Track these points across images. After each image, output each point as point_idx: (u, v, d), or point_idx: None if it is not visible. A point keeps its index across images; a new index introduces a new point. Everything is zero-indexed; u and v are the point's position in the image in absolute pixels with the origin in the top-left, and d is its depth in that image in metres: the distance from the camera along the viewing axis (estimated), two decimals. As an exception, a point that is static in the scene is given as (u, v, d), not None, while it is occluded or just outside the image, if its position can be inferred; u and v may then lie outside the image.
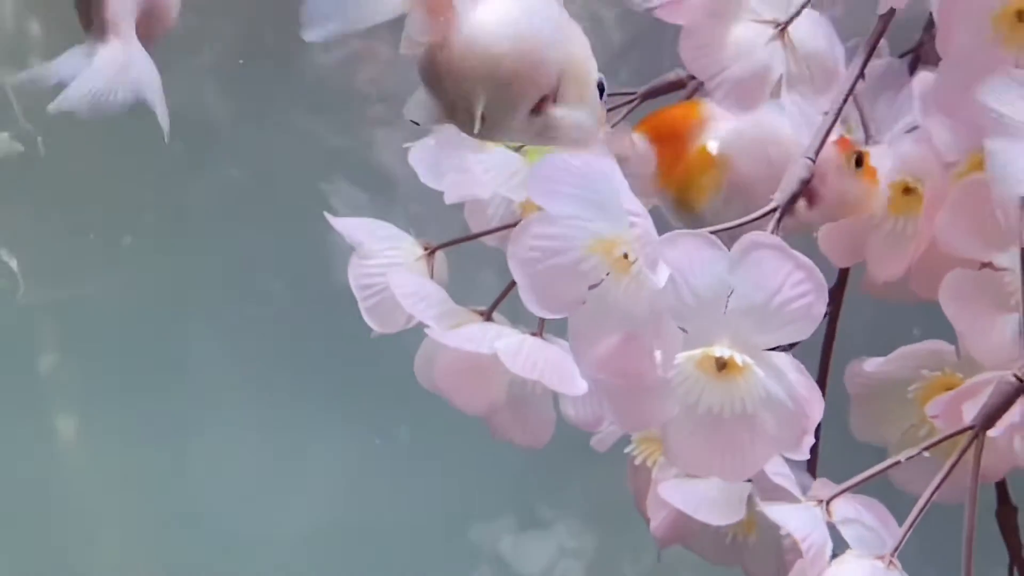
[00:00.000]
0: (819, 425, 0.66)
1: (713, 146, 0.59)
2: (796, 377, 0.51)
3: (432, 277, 0.66)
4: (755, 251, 0.51)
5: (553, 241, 0.52)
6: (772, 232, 0.54)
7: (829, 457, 0.66)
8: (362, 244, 0.65)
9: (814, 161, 0.56)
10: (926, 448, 0.57)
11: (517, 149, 0.67)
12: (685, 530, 0.63)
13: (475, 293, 0.65)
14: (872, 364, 0.64)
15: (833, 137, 0.60)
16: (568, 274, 0.52)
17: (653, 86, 0.68)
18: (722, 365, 0.52)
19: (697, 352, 0.51)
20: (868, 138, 0.65)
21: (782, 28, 0.59)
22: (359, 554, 0.94)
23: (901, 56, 0.68)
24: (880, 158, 0.63)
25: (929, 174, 0.62)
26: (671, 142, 0.60)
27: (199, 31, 0.95)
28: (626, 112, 0.68)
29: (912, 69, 0.68)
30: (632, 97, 0.68)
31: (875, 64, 0.65)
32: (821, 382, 0.66)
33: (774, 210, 0.55)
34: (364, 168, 0.97)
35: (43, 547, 0.94)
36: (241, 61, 0.97)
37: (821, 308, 0.51)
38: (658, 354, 0.51)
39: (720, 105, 0.58)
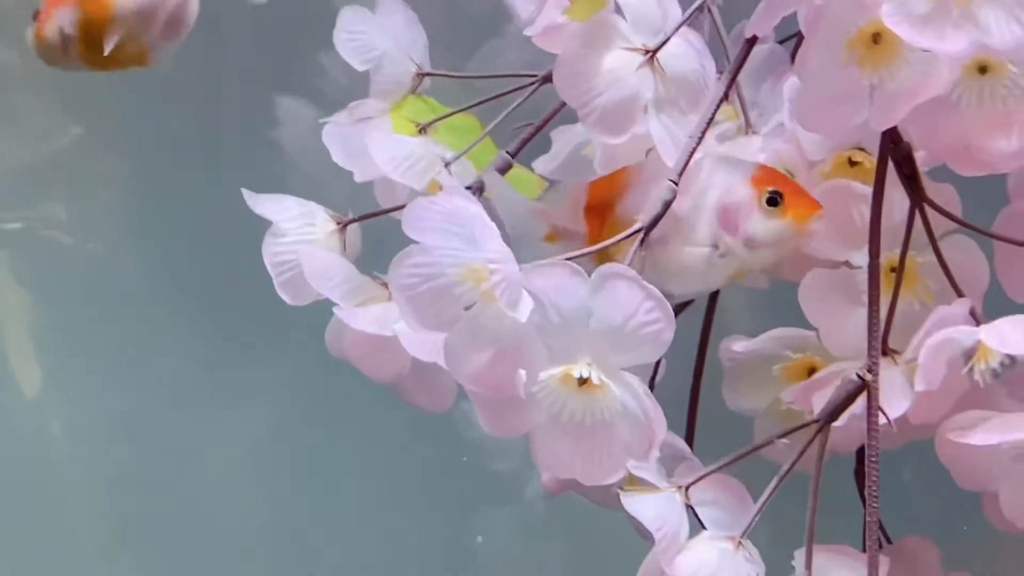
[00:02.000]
0: (698, 394, 0.72)
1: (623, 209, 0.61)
2: (645, 400, 0.56)
3: (345, 250, 0.71)
4: (612, 280, 0.55)
5: (428, 268, 0.56)
6: (635, 252, 0.58)
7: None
8: (276, 222, 0.69)
9: (676, 183, 0.59)
10: (780, 437, 0.62)
11: (421, 132, 0.71)
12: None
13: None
14: (742, 344, 0.68)
15: (749, 173, 0.61)
16: (442, 297, 0.56)
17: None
18: (583, 381, 0.56)
19: (559, 371, 0.56)
20: (748, 128, 0.68)
21: (651, 55, 0.60)
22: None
23: (782, 41, 0.70)
24: (756, 150, 0.67)
25: (798, 171, 0.66)
26: (600, 211, 0.62)
27: None
28: (527, 95, 0.70)
29: (794, 55, 0.71)
30: (533, 80, 0.70)
31: (758, 50, 0.66)
32: (701, 354, 0.72)
33: (639, 231, 0.58)
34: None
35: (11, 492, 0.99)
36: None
37: (669, 334, 0.55)
38: (521, 373, 0.56)
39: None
